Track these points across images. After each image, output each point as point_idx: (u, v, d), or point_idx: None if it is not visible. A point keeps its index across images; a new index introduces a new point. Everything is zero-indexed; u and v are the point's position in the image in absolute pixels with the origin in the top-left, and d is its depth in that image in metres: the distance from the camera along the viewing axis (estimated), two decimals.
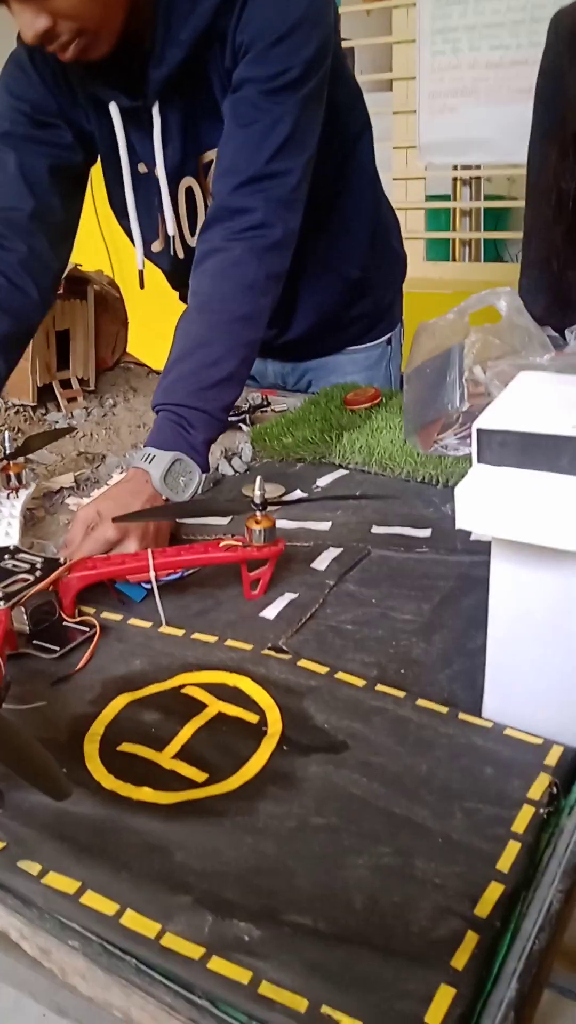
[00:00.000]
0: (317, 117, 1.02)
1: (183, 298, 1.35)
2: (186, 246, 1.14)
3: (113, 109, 1.04)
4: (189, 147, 1.07)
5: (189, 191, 1.11)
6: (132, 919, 0.44)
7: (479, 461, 0.50)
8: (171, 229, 1.12)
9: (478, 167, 2.39)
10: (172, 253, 1.15)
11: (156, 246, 1.17)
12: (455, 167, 2.41)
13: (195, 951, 0.42)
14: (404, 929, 0.43)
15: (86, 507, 0.82)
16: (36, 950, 0.46)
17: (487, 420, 0.50)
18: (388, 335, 1.38)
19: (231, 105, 0.98)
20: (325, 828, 0.49)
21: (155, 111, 1.03)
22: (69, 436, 1.14)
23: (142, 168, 1.10)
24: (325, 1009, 0.39)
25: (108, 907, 0.45)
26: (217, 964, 0.41)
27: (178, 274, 1.17)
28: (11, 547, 0.75)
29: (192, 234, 1.14)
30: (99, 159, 1.14)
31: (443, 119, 2.28)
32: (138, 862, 0.47)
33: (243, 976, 0.40)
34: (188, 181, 1.10)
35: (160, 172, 1.07)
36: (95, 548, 0.77)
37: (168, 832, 0.49)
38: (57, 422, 1.19)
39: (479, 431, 0.49)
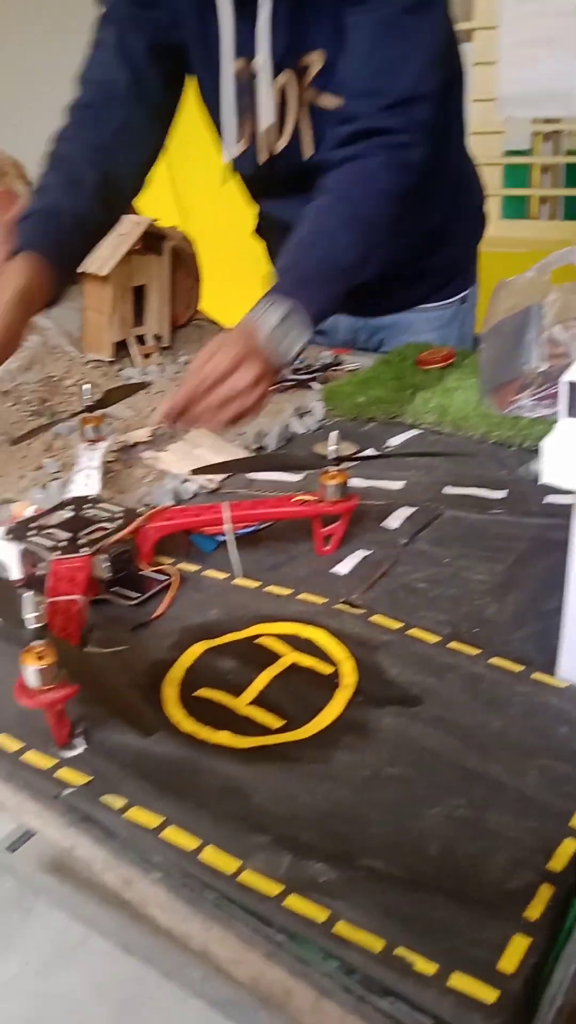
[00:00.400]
0: (454, 36, 1.02)
1: (258, 228, 1.35)
2: (271, 150, 1.12)
3: None
4: (292, 44, 1.03)
5: (281, 93, 1.08)
6: (212, 855, 0.45)
7: (569, 415, 0.50)
8: (265, 122, 1.08)
9: (559, 120, 2.31)
10: (255, 157, 1.12)
11: (238, 148, 1.14)
12: (535, 120, 2.33)
13: (273, 888, 0.43)
14: (478, 879, 0.43)
15: (214, 360, 0.84)
16: (118, 881, 0.48)
17: None
18: (462, 294, 1.35)
19: (365, 24, 0.95)
20: (399, 778, 0.50)
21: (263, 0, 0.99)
22: (144, 391, 1.15)
23: (239, 63, 1.06)
24: (400, 951, 0.40)
25: (189, 842, 0.46)
26: (294, 902, 0.42)
27: (257, 179, 1.16)
28: (91, 496, 0.77)
29: (278, 137, 1.11)
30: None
31: (524, 70, 2.20)
32: (217, 802, 0.49)
33: (320, 914, 0.42)
34: (285, 78, 1.06)
35: (262, 63, 1.03)
36: (238, 387, 0.83)
37: (245, 775, 0.51)
38: (132, 377, 1.20)
39: (571, 384, 0.48)
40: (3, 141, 1.27)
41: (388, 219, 0.98)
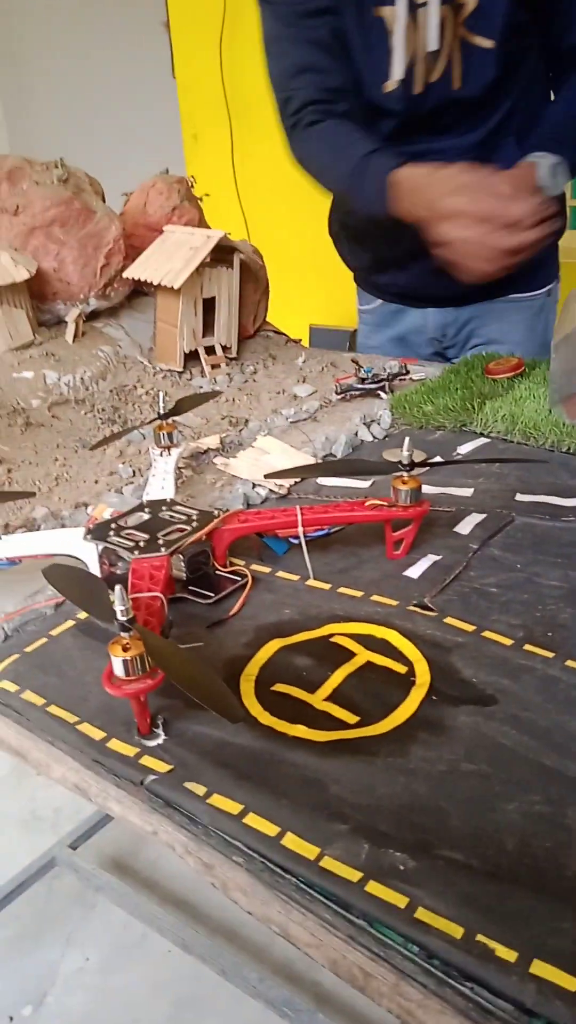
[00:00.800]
0: None
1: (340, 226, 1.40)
2: (425, 80, 1.18)
3: None
4: None
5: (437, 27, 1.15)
6: (292, 841, 0.46)
7: None
8: (434, 44, 1.14)
9: None
10: (409, 89, 1.18)
11: (388, 86, 1.20)
12: None
13: (353, 874, 0.44)
14: (556, 872, 0.44)
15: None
16: (200, 865, 0.49)
17: None
18: (548, 286, 1.38)
19: None
20: (476, 774, 0.50)
21: None
22: (213, 401, 1.18)
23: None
24: (480, 938, 0.40)
25: (270, 829, 0.47)
26: (374, 888, 0.43)
27: (409, 113, 1.21)
28: (168, 499, 0.79)
29: (433, 69, 1.17)
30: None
31: None
32: (296, 791, 0.50)
33: (400, 901, 0.43)
34: (443, 12, 1.13)
35: None
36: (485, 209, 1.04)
37: (323, 766, 0.52)
38: (201, 387, 1.23)
39: None
40: (73, 157, 1.32)
41: None
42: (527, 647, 0.62)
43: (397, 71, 1.17)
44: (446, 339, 1.42)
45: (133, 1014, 1.30)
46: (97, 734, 0.56)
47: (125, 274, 1.24)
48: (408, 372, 1.23)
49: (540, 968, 0.39)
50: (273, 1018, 1.22)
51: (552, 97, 1.28)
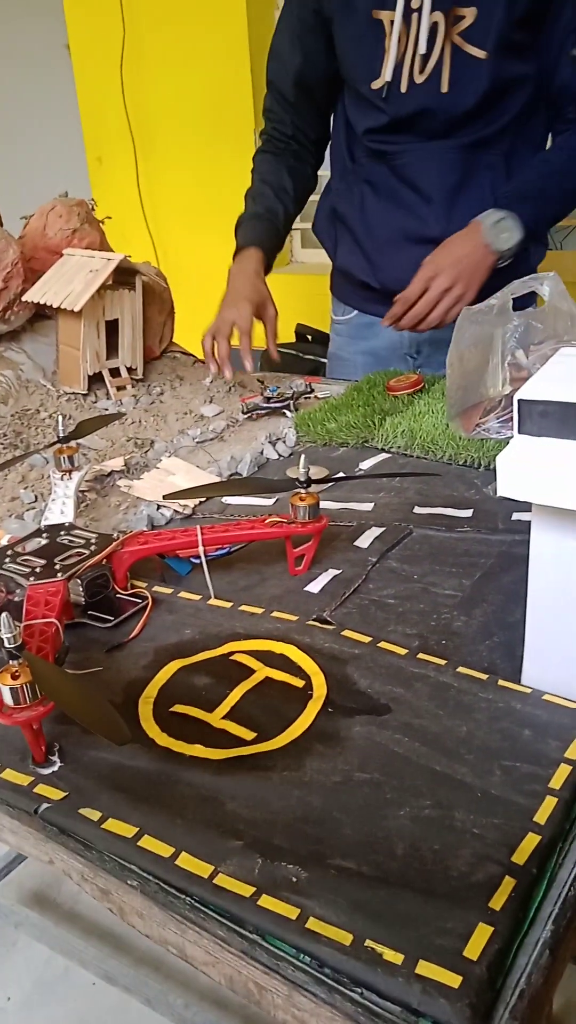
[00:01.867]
0: None
1: (338, 183, 1.46)
2: (411, 81, 1.23)
3: None
4: None
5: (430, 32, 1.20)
6: (186, 861, 0.47)
7: (520, 432, 0.52)
8: (424, 47, 1.20)
9: None
10: (397, 88, 1.24)
11: (375, 84, 1.25)
12: None
13: (246, 890, 0.44)
14: (444, 874, 0.45)
15: (427, 264, 1.21)
16: (96, 891, 0.49)
17: (528, 392, 0.52)
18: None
19: None
20: (368, 783, 0.51)
21: None
22: (118, 422, 1.17)
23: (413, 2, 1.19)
24: (369, 943, 0.41)
25: (164, 850, 0.47)
26: (267, 902, 0.44)
27: (395, 112, 1.26)
28: (66, 523, 0.79)
29: (421, 71, 1.22)
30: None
31: None
32: (191, 810, 0.50)
33: (291, 912, 0.43)
34: (437, 17, 1.18)
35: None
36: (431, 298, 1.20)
37: (219, 784, 0.52)
38: (107, 409, 1.22)
39: (520, 402, 0.51)
40: None
41: None
42: (421, 656, 0.63)
43: (387, 71, 1.23)
44: (420, 357, 1.44)
45: None
46: None
47: (25, 297, 1.23)
48: (313, 391, 1.25)
49: (425, 968, 0.40)
50: None
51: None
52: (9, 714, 0.52)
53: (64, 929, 1.36)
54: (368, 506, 0.91)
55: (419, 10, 1.18)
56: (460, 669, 0.61)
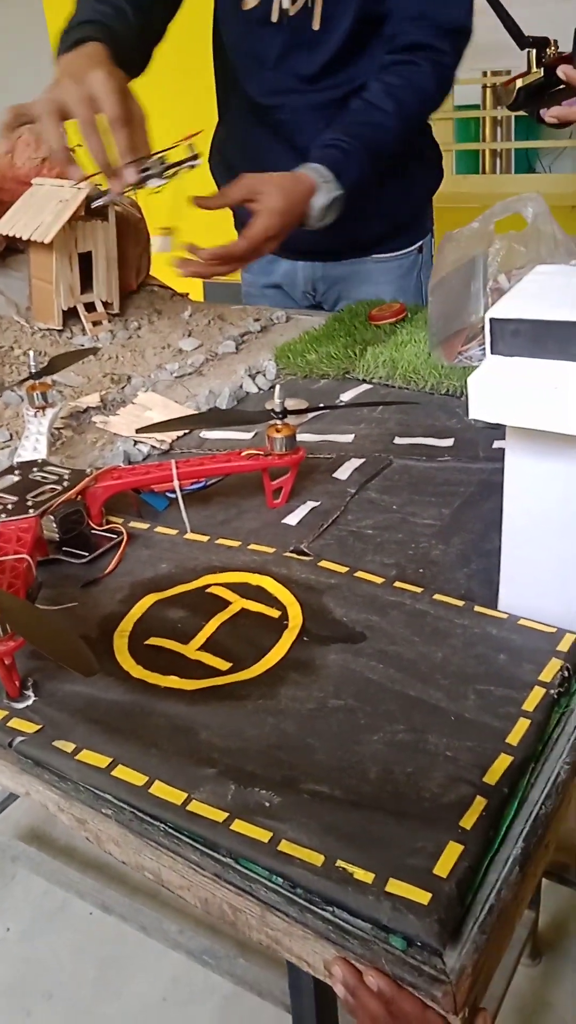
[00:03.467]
0: None
1: (224, 114, 1.38)
2: (281, 10, 1.18)
3: None
4: None
5: None
6: (160, 789, 0.47)
7: (492, 352, 0.51)
8: None
9: (508, 72, 2.30)
10: (268, 16, 1.18)
11: (249, 2, 1.20)
12: (484, 73, 2.33)
13: (219, 815, 0.45)
14: (416, 795, 0.45)
15: (264, 183, 1.05)
16: (73, 821, 0.49)
17: (500, 310, 0.50)
18: (419, 243, 1.37)
19: None
20: (343, 709, 0.51)
21: None
22: (95, 358, 1.15)
23: None
24: (340, 863, 0.41)
25: (137, 779, 0.47)
26: (239, 826, 0.44)
27: (262, 42, 1.21)
28: (39, 460, 0.77)
29: (292, 2, 1.17)
30: None
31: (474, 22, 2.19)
32: (165, 740, 0.50)
33: (263, 836, 0.43)
34: None
35: None
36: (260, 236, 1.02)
37: (193, 714, 0.52)
38: (83, 345, 1.19)
39: (491, 320, 0.50)
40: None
41: (422, 119, 1.19)
42: (397, 584, 0.63)
43: None
44: (317, 294, 1.42)
45: (58, 978, 1.31)
46: None
47: None
48: (197, 157, 1.05)
49: (395, 886, 0.40)
50: (196, 968, 1.25)
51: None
52: None
53: (61, 863, 1.39)
54: (348, 438, 0.90)
55: None
56: (436, 596, 0.61)
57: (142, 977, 1.28)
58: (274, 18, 1.18)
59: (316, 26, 1.17)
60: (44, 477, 0.74)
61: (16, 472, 0.74)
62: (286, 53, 1.20)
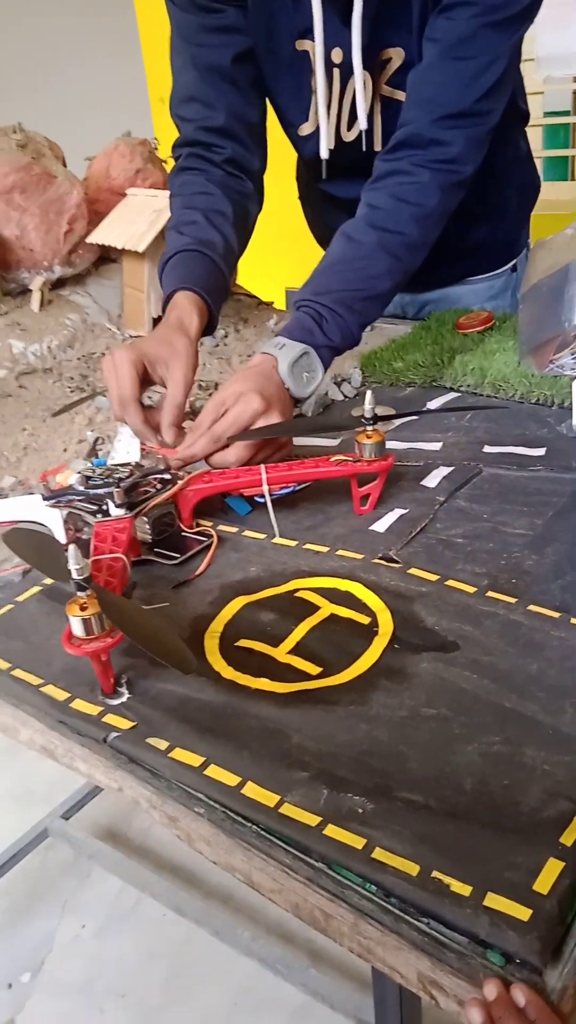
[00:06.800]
0: (520, 53, 0.99)
1: (304, 198, 1.35)
2: (339, 138, 1.10)
3: None
4: (373, 39, 1.00)
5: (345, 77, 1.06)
6: (253, 790, 0.47)
7: None
8: (360, 120, 1.05)
9: None
10: (328, 141, 1.09)
11: (304, 129, 1.13)
12: (574, 80, 2.28)
13: (312, 819, 0.44)
14: (513, 809, 0.44)
15: (219, 393, 0.82)
16: (164, 818, 0.50)
17: None
18: (512, 262, 1.33)
19: (442, 29, 0.93)
20: (436, 718, 0.51)
21: None
22: None
23: (336, 55, 1.03)
24: (436, 874, 0.41)
25: (230, 779, 0.48)
26: (333, 831, 0.44)
27: (317, 162, 1.11)
28: (133, 463, 0.79)
29: (348, 128, 1.09)
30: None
31: (562, 31, 2.15)
32: (257, 742, 0.50)
33: (357, 842, 0.43)
34: (363, 75, 1.02)
35: (356, 56, 1.00)
36: (242, 420, 0.79)
37: (285, 717, 0.52)
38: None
39: None
40: (32, 122, 1.29)
41: (428, 239, 0.98)
42: (490, 594, 0.62)
43: (310, 123, 1.10)
44: (407, 317, 1.39)
45: (130, 978, 1.32)
46: (61, 695, 0.56)
47: (89, 239, 1.23)
48: (173, 480, 0.76)
49: (493, 901, 0.39)
50: (267, 976, 1.24)
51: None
52: (78, 645, 0.52)
53: (136, 863, 1.41)
54: (436, 446, 0.89)
55: (341, 65, 1.03)
56: (531, 607, 0.60)
57: (213, 982, 1.29)
58: (325, 154, 1.08)
59: (377, 147, 1.07)
60: (138, 480, 0.75)
61: (111, 475, 0.76)
62: (350, 168, 1.10)
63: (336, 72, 1.04)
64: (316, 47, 1.00)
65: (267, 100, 1.11)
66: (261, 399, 0.80)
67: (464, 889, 0.40)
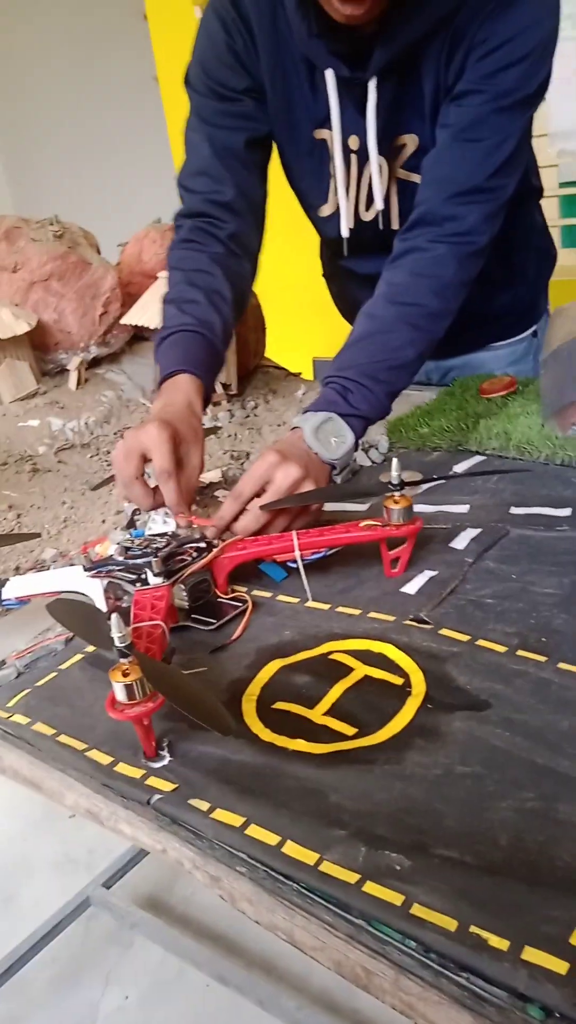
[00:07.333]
0: (531, 131, 1.03)
1: (328, 275, 1.40)
2: (357, 218, 1.14)
3: (329, 77, 1.01)
4: (388, 127, 1.05)
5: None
6: (292, 849, 0.48)
7: None
8: (377, 201, 1.10)
9: None
10: (341, 222, 1.13)
11: (324, 210, 1.17)
12: None
13: (351, 876, 0.46)
14: (549, 864, 0.45)
15: (256, 465, 0.85)
16: (207, 878, 0.51)
17: None
18: (533, 328, 1.36)
19: (455, 115, 0.98)
20: (470, 775, 0.52)
21: (371, 85, 1.00)
22: (215, 436, 1.21)
23: (353, 142, 1.08)
24: (474, 929, 0.42)
25: (270, 838, 0.49)
26: (372, 888, 0.45)
27: (338, 241, 1.16)
28: (169, 532, 0.82)
29: (366, 209, 1.13)
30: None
31: (574, 104, 2.23)
32: (296, 801, 0.52)
33: (396, 899, 0.44)
34: (378, 160, 1.07)
35: (371, 143, 1.04)
36: (283, 490, 0.83)
37: (322, 777, 0.53)
38: (202, 415, 1.26)
39: None
40: (67, 213, 1.37)
41: (449, 308, 1.02)
42: (520, 652, 0.63)
43: (330, 205, 1.15)
44: (432, 384, 1.43)
45: None
46: (105, 759, 0.58)
47: (123, 320, 1.28)
48: (210, 547, 0.80)
49: (531, 954, 0.40)
50: None
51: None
52: (121, 710, 0.54)
53: (178, 932, 1.40)
54: (464, 508, 0.91)
55: (358, 151, 1.07)
56: (561, 665, 0.61)
57: None
58: (346, 232, 1.13)
59: (394, 226, 1.12)
60: (174, 549, 0.78)
61: (150, 545, 0.79)
62: (369, 245, 1.15)
63: (353, 158, 1.09)
64: (334, 135, 1.06)
65: (270, 184, 1.16)
66: (299, 467, 0.84)
67: (502, 943, 0.41)
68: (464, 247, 1.00)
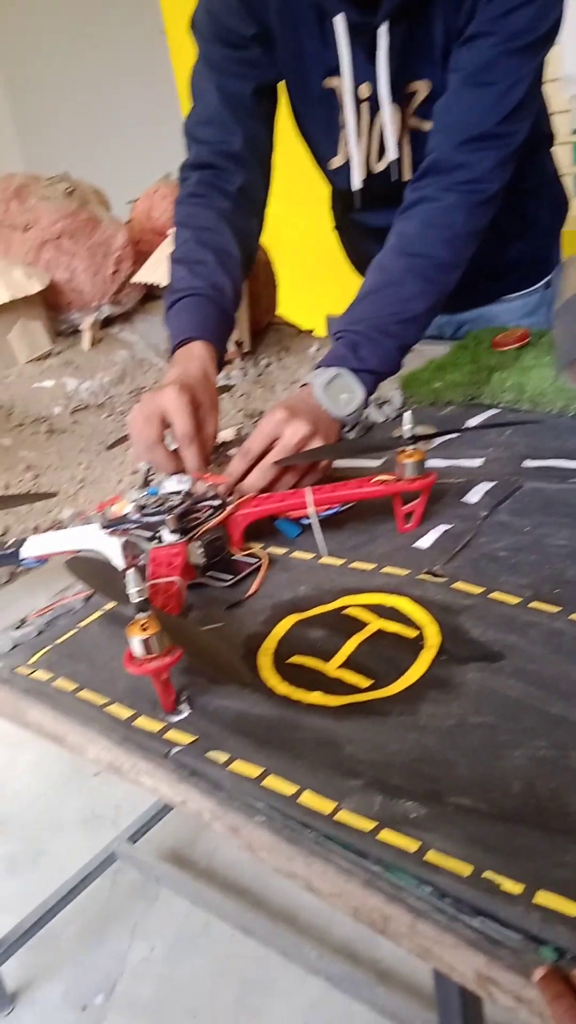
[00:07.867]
0: (542, 76, 1.01)
1: (339, 227, 1.38)
2: (369, 169, 1.13)
3: (340, 22, 0.99)
4: (400, 73, 1.03)
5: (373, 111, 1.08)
6: (309, 798, 0.49)
7: None
8: (390, 150, 1.07)
9: None
10: (352, 173, 1.12)
11: (335, 162, 1.16)
12: None
13: (367, 824, 0.47)
14: (561, 811, 0.45)
15: (264, 421, 0.86)
16: (226, 828, 0.52)
17: None
18: (546, 279, 1.34)
19: (465, 58, 0.96)
20: (483, 725, 0.52)
21: (382, 30, 0.98)
22: (229, 395, 1.21)
23: (364, 90, 1.05)
24: (487, 874, 0.42)
25: (288, 788, 0.50)
26: (387, 835, 0.46)
27: (349, 194, 1.15)
28: (184, 491, 0.82)
29: (378, 159, 1.12)
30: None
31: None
32: (312, 753, 0.52)
33: (411, 845, 0.45)
34: (391, 107, 1.05)
35: (383, 90, 1.03)
36: (291, 447, 0.83)
37: (337, 729, 0.54)
38: (216, 382, 1.26)
39: None
40: (77, 170, 1.35)
41: (459, 260, 1.00)
42: (533, 604, 0.63)
43: (340, 156, 1.13)
44: (444, 337, 1.41)
45: (201, 999, 1.34)
46: (125, 713, 0.59)
47: (134, 279, 1.27)
48: (224, 505, 0.80)
49: (544, 898, 0.41)
50: (335, 994, 1.25)
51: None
52: (140, 664, 0.55)
53: (203, 885, 1.43)
54: (477, 462, 0.91)
55: (369, 99, 1.05)
56: (573, 615, 0.61)
57: (283, 1001, 1.30)
58: (358, 184, 1.12)
59: (406, 177, 1.10)
60: (190, 507, 0.78)
61: (165, 503, 0.79)
62: (381, 197, 1.13)
63: (364, 107, 1.07)
64: (344, 84, 1.04)
65: (280, 136, 1.13)
66: (308, 424, 0.84)
67: (516, 888, 0.41)
68: (475, 195, 0.99)
